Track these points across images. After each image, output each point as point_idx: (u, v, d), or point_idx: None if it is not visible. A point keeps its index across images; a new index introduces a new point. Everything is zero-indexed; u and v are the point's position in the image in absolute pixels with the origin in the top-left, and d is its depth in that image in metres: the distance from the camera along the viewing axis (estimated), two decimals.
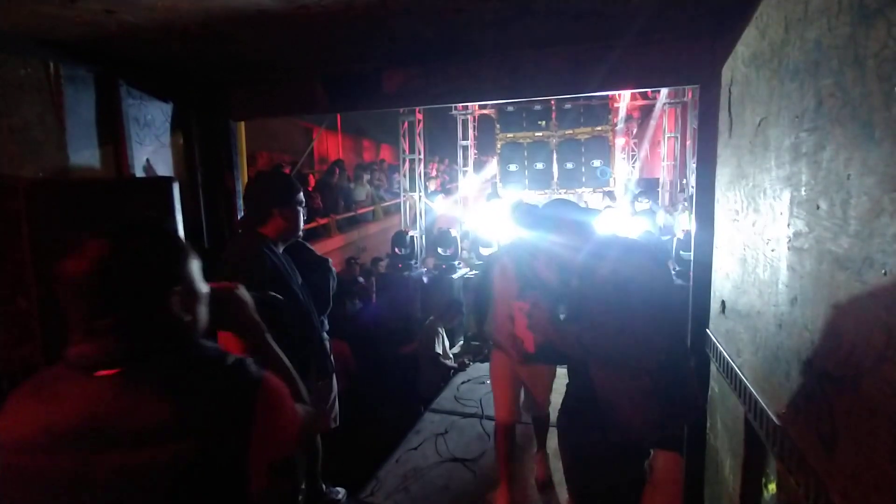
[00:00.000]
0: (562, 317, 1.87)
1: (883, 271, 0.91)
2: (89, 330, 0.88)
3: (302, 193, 2.13)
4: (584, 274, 1.80)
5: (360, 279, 6.43)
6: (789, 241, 1.34)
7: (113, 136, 2.36)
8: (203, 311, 1.00)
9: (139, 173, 2.47)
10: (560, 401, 2.03)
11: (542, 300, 1.84)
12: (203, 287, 1.00)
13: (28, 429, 0.86)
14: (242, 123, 3.12)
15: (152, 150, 2.58)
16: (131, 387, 0.86)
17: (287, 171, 7.29)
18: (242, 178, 3.08)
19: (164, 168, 2.64)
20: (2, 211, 1.96)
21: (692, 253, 2.22)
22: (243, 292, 1.16)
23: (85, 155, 2.26)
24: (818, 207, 1.17)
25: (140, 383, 0.86)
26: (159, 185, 2.15)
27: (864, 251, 0.98)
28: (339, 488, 3.03)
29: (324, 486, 2.92)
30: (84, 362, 0.88)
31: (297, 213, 2.10)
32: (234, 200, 2.91)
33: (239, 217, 2.93)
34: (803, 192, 1.26)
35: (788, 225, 1.35)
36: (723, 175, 2.00)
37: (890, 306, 0.89)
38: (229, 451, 0.88)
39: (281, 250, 2.09)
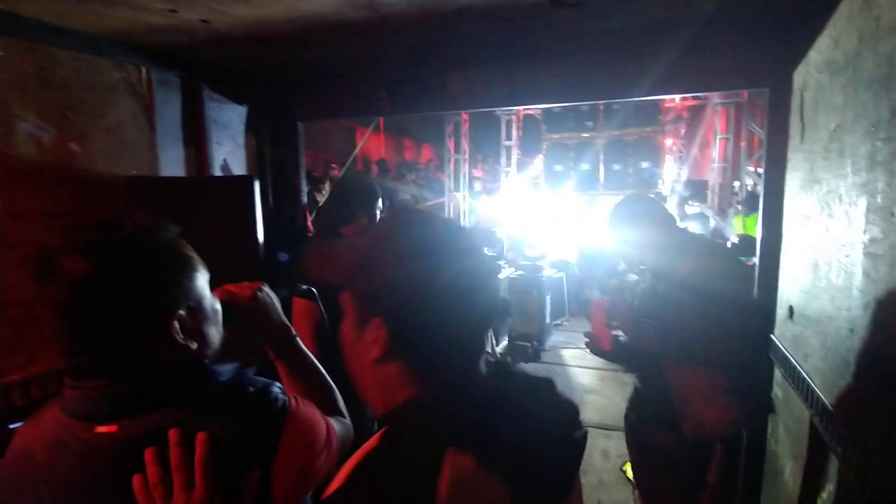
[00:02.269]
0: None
1: None
2: (77, 367, 0.76)
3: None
4: (661, 273, 1.85)
5: None
6: (864, 246, 1.34)
7: (195, 137, 2.52)
8: (214, 332, 0.86)
9: (216, 172, 2.63)
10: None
11: (622, 299, 1.89)
12: (213, 303, 0.87)
13: (24, 490, 0.77)
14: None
15: (228, 151, 2.75)
16: (133, 451, 0.73)
17: (336, 171, 7.50)
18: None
19: (238, 167, 2.81)
20: (99, 205, 2.14)
21: (757, 257, 2.20)
22: (267, 293, 1.04)
23: (171, 154, 2.43)
24: (893, 215, 1.19)
25: (143, 444, 0.73)
26: (241, 184, 2.30)
27: None
28: None
29: None
30: (78, 412, 0.77)
31: (376, 218, 2.22)
32: (300, 199, 3.05)
33: (303, 214, 3.08)
34: (879, 200, 1.27)
35: (864, 231, 1.35)
36: (793, 179, 1.99)
37: None
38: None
39: None
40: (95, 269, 0.72)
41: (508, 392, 0.72)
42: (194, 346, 0.81)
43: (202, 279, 0.84)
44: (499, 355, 5.51)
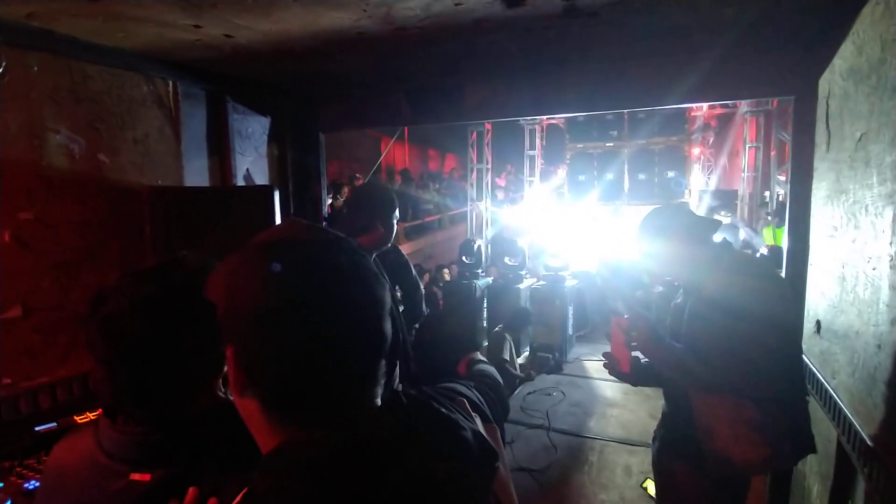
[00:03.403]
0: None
1: None
2: (117, 407, 0.77)
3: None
4: (690, 290, 1.70)
5: (435, 289, 6.56)
6: (891, 259, 1.30)
7: (220, 147, 2.59)
8: None
9: (240, 181, 2.70)
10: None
11: (643, 316, 1.72)
12: None
13: None
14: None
15: (251, 161, 2.81)
16: (163, 502, 0.74)
17: (360, 180, 7.59)
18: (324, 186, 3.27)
19: (260, 177, 2.87)
20: (127, 214, 2.21)
21: (784, 270, 2.14)
22: None
23: (196, 164, 2.50)
24: None
25: (173, 495, 0.74)
26: (261, 193, 2.34)
27: None
28: None
29: None
30: (114, 454, 0.77)
31: (394, 226, 2.23)
32: (321, 208, 3.09)
33: (324, 223, 3.12)
34: None
35: (890, 243, 1.30)
36: (819, 189, 1.94)
37: None
38: None
39: (373, 258, 2.22)
40: (148, 327, 0.72)
41: (394, 441, 0.55)
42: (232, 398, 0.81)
43: None
44: (518, 366, 5.46)
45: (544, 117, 8.59)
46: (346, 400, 0.58)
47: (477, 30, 1.91)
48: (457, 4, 1.65)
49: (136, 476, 0.76)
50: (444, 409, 0.61)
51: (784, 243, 2.18)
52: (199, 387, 0.77)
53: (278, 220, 2.25)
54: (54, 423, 1.85)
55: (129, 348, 0.72)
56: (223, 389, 0.79)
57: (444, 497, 0.53)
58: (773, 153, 7.33)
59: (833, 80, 1.81)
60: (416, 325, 2.56)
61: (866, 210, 1.47)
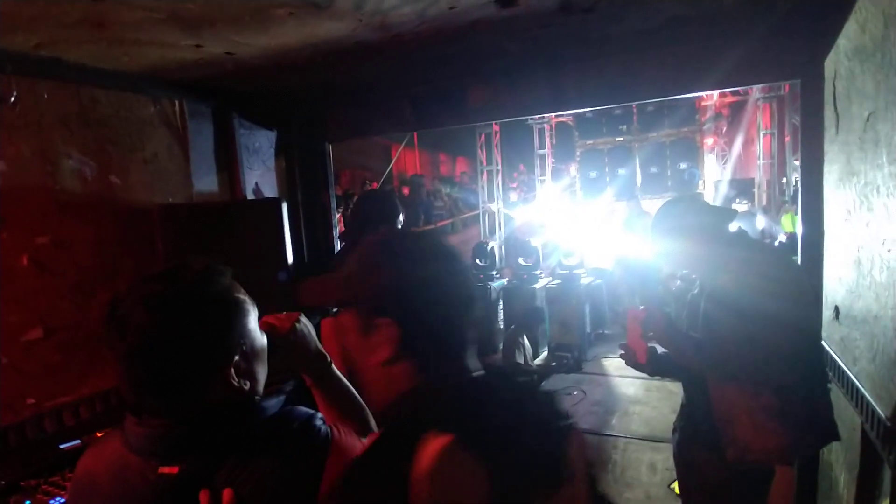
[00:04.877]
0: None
1: None
2: (139, 406, 0.82)
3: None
4: (706, 280, 1.70)
5: None
6: None
7: (228, 163, 2.63)
8: (263, 370, 0.90)
9: (249, 195, 2.73)
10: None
11: (659, 307, 1.74)
12: (262, 342, 0.90)
13: None
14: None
15: (260, 174, 2.85)
16: (191, 492, 0.79)
17: (375, 186, 7.64)
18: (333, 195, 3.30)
19: (269, 190, 2.90)
20: (139, 233, 2.25)
21: (799, 257, 2.10)
22: (305, 323, 1.05)
23: (205, 181, 2.54)
24: None
25: (202, 485, 0.79)
26: (269, 206, 2.38)
27: None
28: None
29: None
30: (141, 449, 0.82)
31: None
32: (330, 217, 3.12)
33: (335, 232, 3.14)
34: None
35: None
36: (831, 173, 1.89)
37: None
38: None
39: None
40: (159, 321, 0.77)
41: (493, 385, 0.81)
42: (247, 385, 0.85)
43: (254, 321, 0.88)
44: (534, 366, 5.42)
45: (553, 115, 8.56)
46: (462, 357, 0.81)
47: (474, 32, 1.91)
48: (451, 8, 1.65)
49: (164, 469, 0.80)
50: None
51: (798, 230, 2.13)
52: (211, 376, 0.81)
53: (287, 232, 2.28)
54: (79, 441, 1.90)
55: (142, 342, 0.77)
56: (236, 378, 0.83)
57: (531, 424, 0.73)
58: (787, 139, 7.20)
59: (838, 60, 1.77)
60: None
61: (878, 191, 1.43)
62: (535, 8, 1.69)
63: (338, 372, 1.09)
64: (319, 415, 0.91)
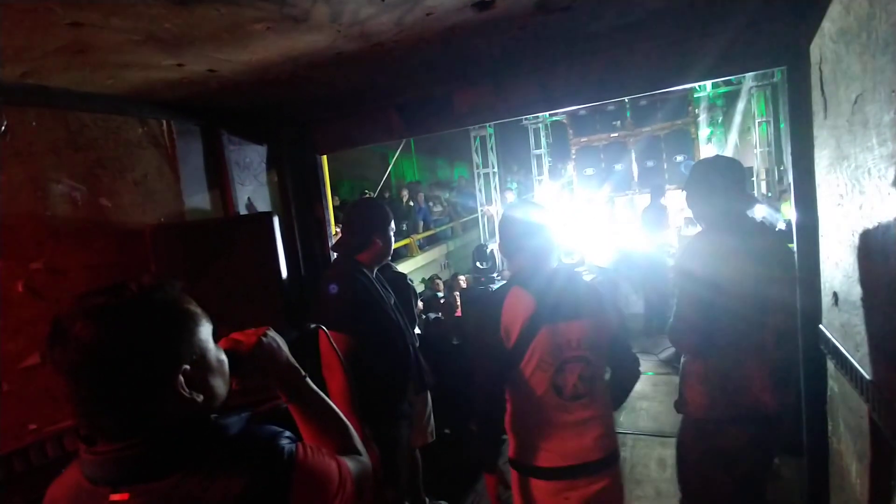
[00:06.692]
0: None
1: None
2: (88, 427, 0.79)
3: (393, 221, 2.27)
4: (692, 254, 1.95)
5: (439, 294, 6.55)
6: None
7: (218, 180, 2.63)
8: (220, 383, 0.87)
9: (242, 211, 2.73)
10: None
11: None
12: (217, 355, 0.88)
13: None
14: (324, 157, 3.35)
15: (252, 190, 2.85)
16: None
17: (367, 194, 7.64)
18: (328, 206, 3.29)
19: (262, 204, 2.90)
20: (132, 253, 2.25)
21: (795, 244, 2.08)
22: (273, 337, 1.02)
23: (197, 199, 2.54)
24: None
25: None
26: (261, 220, 2.37)
27: None
28: (442, 501, 3.10)
29: (426, 500, 3.00)
30: (93, 476, 0.80)
31: (391, 238, 2.23)
32: (325, 228, 3.11)
33: (330, 244, 3.13)
34: None
35: None
36: (822, 158, 1.88)
37: None
38: None
39: (374, 273, 2.22)
40: (100, 333, 0.74)
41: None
42: (200, 398, 0.82)
43: (205, 332, 0.86)
44: None
45: (547, 114, 8.57)
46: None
47: (454, 36, 1.91)
48: (428, 14, 1.65)
49: (115, 497, 0.77)
50: None
51: (792, 217, 2.12)
52: (158, 386, 0.79)
53: (280, 245, 2.27)
54: None
55: (83, 355, 0.74)
56: (186, 389, 0.80)
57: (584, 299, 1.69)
58: (782, 126, 7.17)
59: (824, 44, 1.76)
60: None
61: (869, 174, 1.42)
62: (512, 9, 1.69)
63: (314, 387, 1.04)
64: (287, 433, 0.89)
